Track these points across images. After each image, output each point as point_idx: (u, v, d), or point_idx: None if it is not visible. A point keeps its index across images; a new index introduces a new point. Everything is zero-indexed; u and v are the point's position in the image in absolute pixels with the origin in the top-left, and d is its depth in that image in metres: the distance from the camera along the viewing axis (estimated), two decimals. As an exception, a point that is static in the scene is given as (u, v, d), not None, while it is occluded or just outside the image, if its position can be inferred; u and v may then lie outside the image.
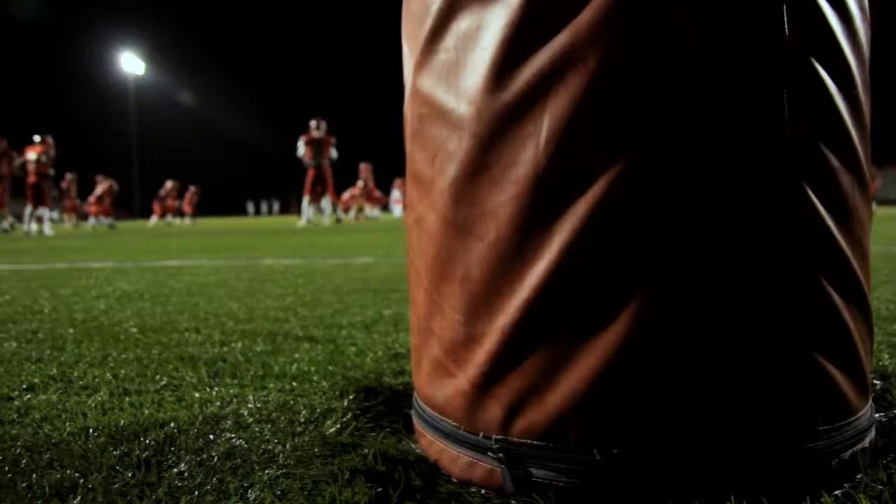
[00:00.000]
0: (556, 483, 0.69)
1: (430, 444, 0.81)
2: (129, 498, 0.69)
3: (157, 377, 1.20)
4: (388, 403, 1.00)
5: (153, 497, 0.69)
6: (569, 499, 0.68)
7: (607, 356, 0.66)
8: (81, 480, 0.73)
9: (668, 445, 0.66)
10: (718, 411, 0.65)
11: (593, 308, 0.66)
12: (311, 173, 12.34)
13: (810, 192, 0.66)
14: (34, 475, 0.76)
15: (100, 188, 18.38)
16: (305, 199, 12.48)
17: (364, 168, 19.32)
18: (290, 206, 42.68)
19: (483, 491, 0.72)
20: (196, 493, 0.70)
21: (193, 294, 2.42)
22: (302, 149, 12.46)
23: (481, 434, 0.73)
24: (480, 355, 0.73)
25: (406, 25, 0.85)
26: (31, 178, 11.78)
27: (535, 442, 0.69)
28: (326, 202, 12.57)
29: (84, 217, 20.31)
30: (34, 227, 11.69)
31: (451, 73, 0.74)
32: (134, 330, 1.71)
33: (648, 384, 0.66)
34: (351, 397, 1.01)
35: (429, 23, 0.77)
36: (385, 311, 1.88)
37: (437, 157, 0.77)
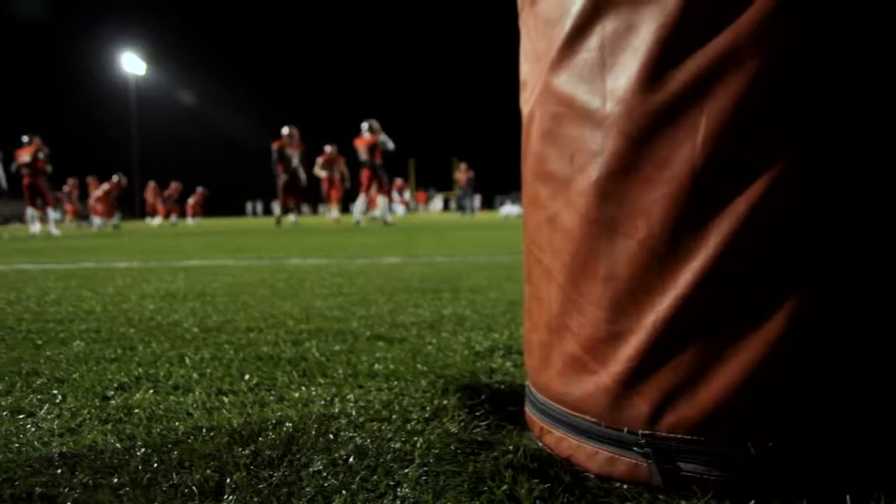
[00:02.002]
0: (705, 477, 0.69)
1: (560, 440, 0.82)
2: (281, 498, 0.69)
3: (247, 377, 1.20)
4: (492, 402, 1.00)
5: (306, 497, 0.69)
6: (718, 492, 0.68)
7: (763, 353, 0.67)
8: (227, 480, 0.73)
9: (823, 443, 0.66)
10: (877, 412, 0.66)
11: (749, 305, 0.67)
12: (366, 173, 12.39)
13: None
14: (173, 475, 0.76)
15: (107, 184, 18.09)
16: (361, 199, 12.50)
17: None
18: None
19: (626, 486, 0.72)
20: (344, 492, 0.70)
21: (237, 294, 2.42)
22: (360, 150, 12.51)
23: (625, 429, 0.74)
24: (627, 351, 0.73)
25: (533, 27, 0.85)
26: (27, 180, 11.72)
27: (684, 436, 0.70)
28: (383, 201, 12.59)
29: (84, 217, 20.24)
30: (37, 227, 11.66)
31: (596, 73, 0.74)
32: (195, 330, 1.71)
33: (805, 382, 0.66)
34: (457, 396, 1.01)
35: (568, 24, 0.77)
36: (443, 311, 1.89)
37: (577, 155, 0.77)
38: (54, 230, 11.57)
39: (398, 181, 22.88)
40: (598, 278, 0.75)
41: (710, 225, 0.68)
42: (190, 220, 23.04)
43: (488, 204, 36.78)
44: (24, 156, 11.73)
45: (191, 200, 23.99)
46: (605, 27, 0.73)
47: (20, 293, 2.57)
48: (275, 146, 12.78)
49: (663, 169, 0.70)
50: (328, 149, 13.95)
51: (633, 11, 0.71)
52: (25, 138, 11.93)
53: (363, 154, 12.13)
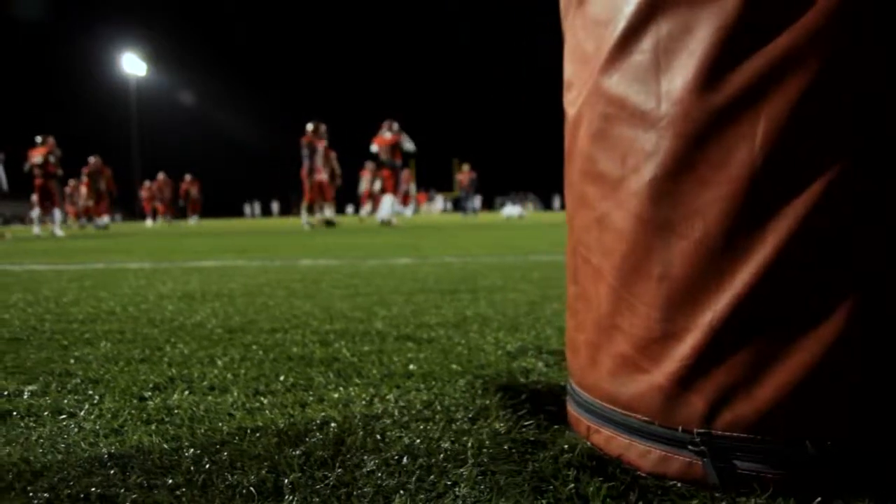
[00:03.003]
0: (762, 475, 0.69)
1: (610, 439, 0.82)
2: (340, 498, 0.70)
3: (281, 377, 1.20)
4: (532, 401, 1.01)
5: (365, 497, 0.70)
6: (774, 491, 0.69)
7: (820, 352, 0.67)
8: (285, 481, 0.74)
9: (880, 441, 0.67)
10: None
11: (807, 305, 0.67)
12: (386, 173, 12.31)
13: None
14: (227, 475, 0.76)
15: (101, 182, 17.07)
16: (388, 198, 12.40)
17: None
18: (291, 207, 42.64)
19: (682, 484, 0.73)
20: (401, 492, 0.71)
21: (254, 295, 2.42)
22: (376, 148, 12.38)
23: (680, 428, 0.74)
24: (682, 350, 0.73)
25: (580, 28, 0.85)
26: (39, 180, 11.71)
27: (741, 435, 0.70)
28: (390, 201, 12.49)
29: (90, 219, 19.99)
30: (37, 228, 11.65)
31: (650, 74, 0.75)
32: (219, 330, 1.71)
33: (862, 380, 0.67)
34: (497, 396, 1.02)
35: (620, 25, 0.77)
36: (465, 311, 1.89)
37: (629, 156, 0.77)
38: (58, 231, 11.57)
39: (405, 171, 22.76)
40: (652, 278, 0.76)
41: (768, 226, 0.68)
42: (192, 221, 22.87)
43: (488, 205, 36.80)
44: (37, 157, 11.71)
45: (192, 191, 23.31)
46: (660, 28, 0.74)
47: (37, 294, 2.57)
48: (304, 140, 12.62)
49: (720, 170, 0.70)
50: (310, 126, 13.09)
51: (689, 13, 0.71)
52: (39, 139, 11.91)
53: (384, 154, 12.07)
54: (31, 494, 0.74)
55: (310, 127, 12.41)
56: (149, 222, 21.57)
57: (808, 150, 0.66)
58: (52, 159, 11.80)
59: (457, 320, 1.74)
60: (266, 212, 44.32)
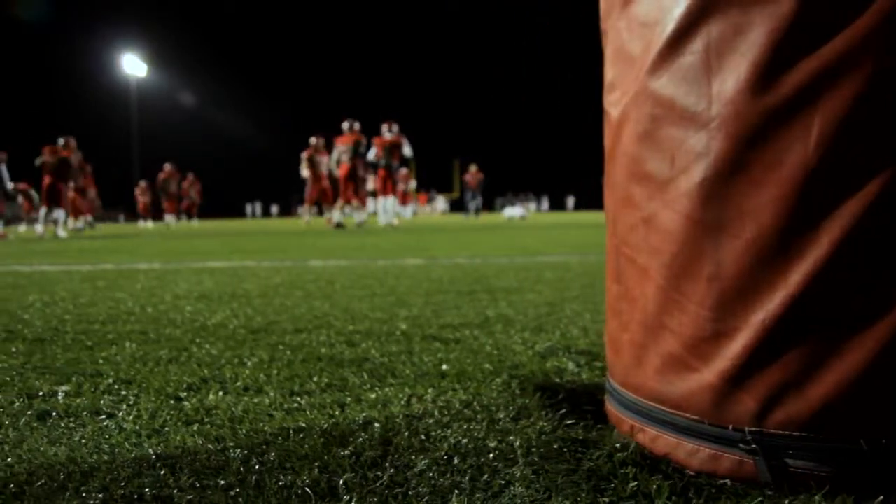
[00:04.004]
0: (815, 473, 0.70)
1: (656, 438, 0.82)
2: (398, 497, 0.70)
3: (315, 378, 1.20)
4: (570, 401, 1.01)
5: (422, 497, 0.70)
6: (828, 489, 0.69)
7: (875, 351, 0.68)
8: (340, 482, 0.74)
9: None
10: None
11: (861, 304, 0.68)
12: (381, 173, 12.31)
13: None
14: (279, 475, 0.77)
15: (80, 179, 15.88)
16: (390, 201, 12.43)
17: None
18: (291, 208, 42.64)
19: (730, 482, 0.73)
20: (456, 491, 0.71)
21: (270, 296, 2.42)
22: (373, 151, 12.38)
23: (730, 427, 0.74)
24: (733, 349, 0.74)
25: (625, 30, 0.86)
26: (47, 180, 11.68)
27: (793, 433, 0.71)
28: (392, 202, 12.50)
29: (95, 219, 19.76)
30: (42, 228, 11.65)
31: (700, 75, 0.75)
32: (242, 331, 1.71)
33: (917, 378, 0.67)
34: (536, 396, 1.02)
35: (669, 26, 0.78)
36: (486, 312, 1.89)
37: (678, 157, 0.78)
38: (61, 232, 11.57)
39: (403, 170, 22.64)
40: (703, 277, 0.76)
41: (822, 226, 0.69)
42: (194, 221, 22.64)
43: (489, 206, 36.86)
44: (52, 157, 11.66)
45: (192, 192, 22.61)
46: (711, 30, 0.74)
47: (52, 295, 2.57)
48: (304, 155, 12.83)
49: (773, 171, 0.70)
50: (314, 140, 13.19)
51: (742, 14, 0.72)
52: (61, 141, 11.87)
53: (384, 154, 12.08)
54: (84, 495, 0.74)
55: (313, 141, 12.58)
56: (141, 223, 21.23)
57: (863, 151, 0.67)
58: (74, 160, 11.78)
59: (479, 321, 1.74)
60: (266, 213, 44.32)
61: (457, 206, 35.04)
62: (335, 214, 12.21)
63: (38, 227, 11.74)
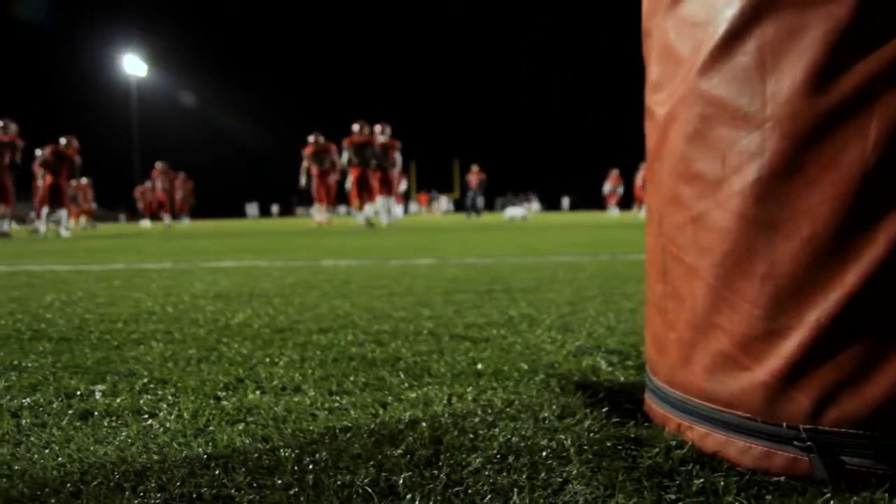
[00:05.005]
0: (872, 471, 0.70)
1: (705, 436, 0.83)
2: (460, 495, 0.71)
3: (351, 378, 1.21)
4: (609, 400, 1.02)
5: (483, 495, 0.70)
6: (887, 486, 0.70)
7: (932, 349, 0.68)
8: (399, 481, 0.74)
9: None
10: None
11: (918, 303, 0.68)
12: (379, 174, 12.29)
13: None
14: (337, 475, 0.77)
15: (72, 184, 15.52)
16: (390, 202, 12.45)
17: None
18: (291, 208, 42.66)
19: (783, 479, 0.74)
20: (516, 490, 0.72)
21: (288, 295, 2.43)
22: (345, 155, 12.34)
23: (784, 424, 0.75)
24: (787, 348, 0.74)
25: (673, 29, 0.86)
26: (49, 179, 11.66)
27: (849, 430, 0.71)
28: (388, 202, 12.49)
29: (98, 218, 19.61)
30: (43, 227, 11.64)
31: (753, 75, 0.76)
32: (267, 331, 1.72)
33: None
34: (577, 394, 1.03)
35: (721, 27, 0.78)
36: (508, 311, 1.90)
37: (730, 157, 0.78)
38: (64, 232, 11.57)
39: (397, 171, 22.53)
40: (755, 276, 0.77)
41: (879, 226, 0.69)
42: (186, 221, 22.20)
43: (489, 206, 36.88)
44: (54, 156, 11.62)
45: (177, 195, 21.74)
46: (765, 31, 0.75)
47: (70, 295, 2.58)
48: (307, 152, 12.82)
49: (830, 171, 0.71)
50: (311, 138, 13.00)
51: (796, 16, 0.72)
52: (63, 140, 11.84)
53: (379, 155, 12.09)
54: (142, 495, 0.74)
55: (311, 139, 12.61)
56: (142, 223, 21.20)
57: (921, 151, 0.67)
58: (77, 161, 11.76)
59: (503, 320, 1.75)
60: (266, 213, 44.30)
61: (458, 206, 35.05)
62: (367, 210, 12.11)
63: (41, 227, 11.73)
